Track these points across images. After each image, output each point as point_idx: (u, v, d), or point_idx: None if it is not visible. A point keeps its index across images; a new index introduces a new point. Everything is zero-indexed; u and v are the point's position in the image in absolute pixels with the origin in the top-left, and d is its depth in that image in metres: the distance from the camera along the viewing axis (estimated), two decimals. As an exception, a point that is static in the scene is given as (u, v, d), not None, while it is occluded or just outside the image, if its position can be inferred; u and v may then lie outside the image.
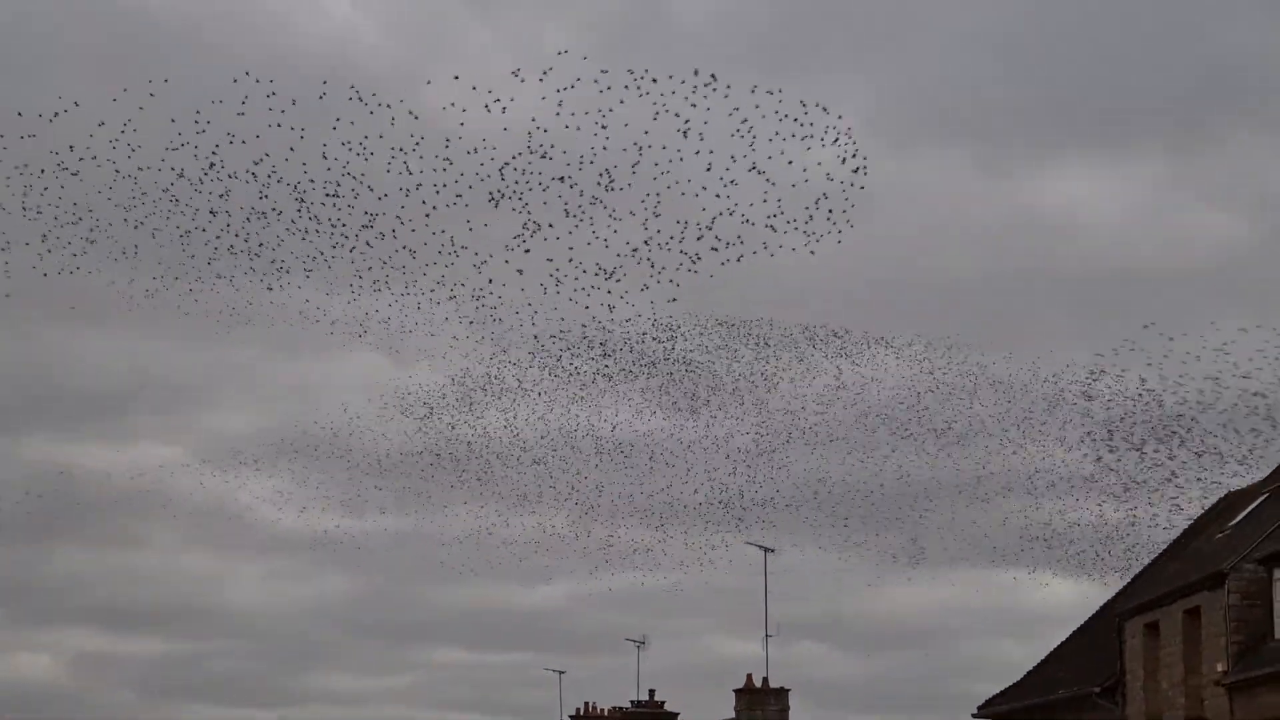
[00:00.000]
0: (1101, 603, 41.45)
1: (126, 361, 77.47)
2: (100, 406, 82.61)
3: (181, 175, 32.08)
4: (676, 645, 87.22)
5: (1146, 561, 40.87)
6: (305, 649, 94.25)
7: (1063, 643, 41.26)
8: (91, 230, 33.14)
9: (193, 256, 33.99)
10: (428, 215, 32.62)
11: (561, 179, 32.60)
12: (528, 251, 33.16)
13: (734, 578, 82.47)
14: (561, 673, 66.85)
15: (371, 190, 32.53)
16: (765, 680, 43.96)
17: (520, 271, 34.36)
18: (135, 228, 33.07)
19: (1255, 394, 36.12)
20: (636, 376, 38.11)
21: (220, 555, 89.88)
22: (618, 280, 34.56)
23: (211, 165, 31.65)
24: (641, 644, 65.17)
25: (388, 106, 31.78)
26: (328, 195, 32.11)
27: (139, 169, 32.18)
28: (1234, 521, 35.48)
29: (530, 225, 32.78)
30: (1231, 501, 38.02)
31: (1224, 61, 70.19)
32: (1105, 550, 43.90)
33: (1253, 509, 35.29)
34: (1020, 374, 39.41)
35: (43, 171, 32.12)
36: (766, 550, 47.25)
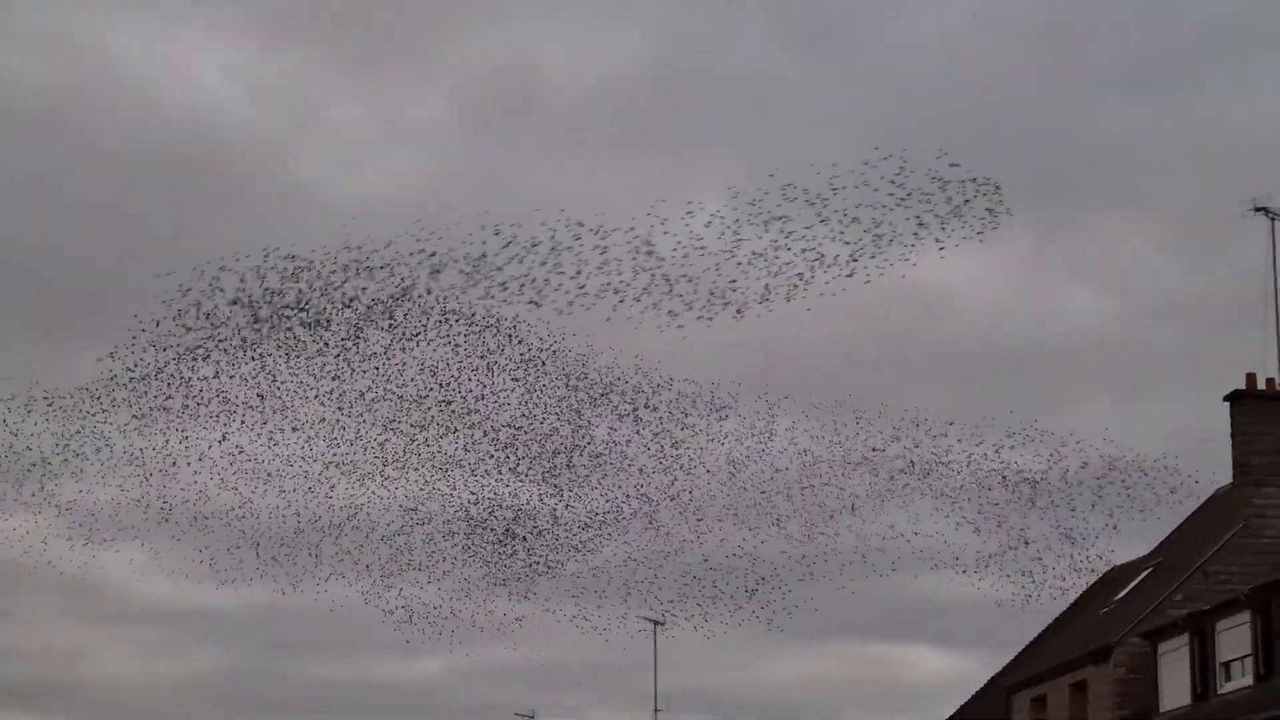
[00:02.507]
0: (978, 677, 41.64)
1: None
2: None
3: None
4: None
5: (1031, 636, 41.09)
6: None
7: (950, 717, 41.36)
8: None
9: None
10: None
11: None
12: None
13: (613, 652, 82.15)
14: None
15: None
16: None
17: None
18: None
19: (1120, 469, 36.44)
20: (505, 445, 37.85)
21: (88, 627, 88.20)
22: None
23: None
24: (530, 718, 64.58)
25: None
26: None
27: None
28: (1119, 596, 35.79)
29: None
30: (1115, 575, 38.37)
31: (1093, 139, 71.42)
32: (980, 624, 44.07)
33: (1137, 583, 35.62)
34: (896, 445, 39.57)
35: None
36: (656, 624, 47.01)
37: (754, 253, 31.95)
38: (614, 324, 32.98)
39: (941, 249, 30.98)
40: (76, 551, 38.21)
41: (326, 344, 33.66)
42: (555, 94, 65.99)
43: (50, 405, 34.21)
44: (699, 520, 38.67)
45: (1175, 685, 30.43)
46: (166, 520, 37.29)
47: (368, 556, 38.64)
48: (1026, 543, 37.19)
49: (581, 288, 32.16)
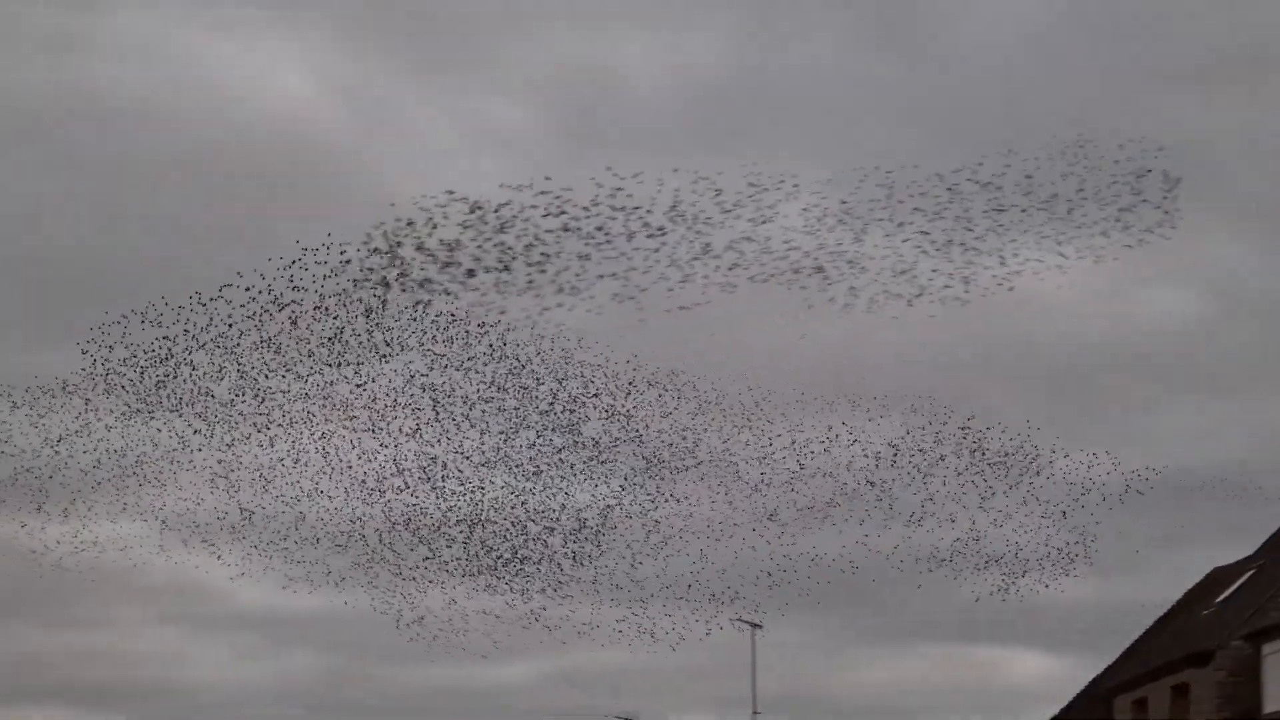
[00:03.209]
0: (1078, 679, 41.17)
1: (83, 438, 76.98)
2: (61, 484, 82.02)
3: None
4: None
5: (1132, 639, 40.60)
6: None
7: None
8: None
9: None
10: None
11: None
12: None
13: (709, 654, 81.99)
14: (545, 753, 66.15)
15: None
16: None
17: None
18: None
19: (1220, 471, 35.89)
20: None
21: (184, 631, 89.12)
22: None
23: None
24: (630, 723, 64.66)
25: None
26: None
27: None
28: (1221, 598, 35.24)
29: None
30: (1217, 577, 37.78)
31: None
32: (1080, 626, 43.63)
33: (1239, 585, 35.06)
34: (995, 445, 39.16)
35: None
36: (754, 626, 46.79)
37: (834, 254, 31.71)
38: (695, 324, 32.86)
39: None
40: (174, 557, 38.55)
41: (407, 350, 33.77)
42: (632, 93, 66.19)
43: (147, 413, 34.54)
44: (799, 521, 38.47)
45: (1279, 687, 29.90)
46: (262, 525, 37.55)
47: (460, 560, 38.75)
48: (1132, 539, 36.74)
49: (670, 291, 32.04)
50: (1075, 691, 41.30)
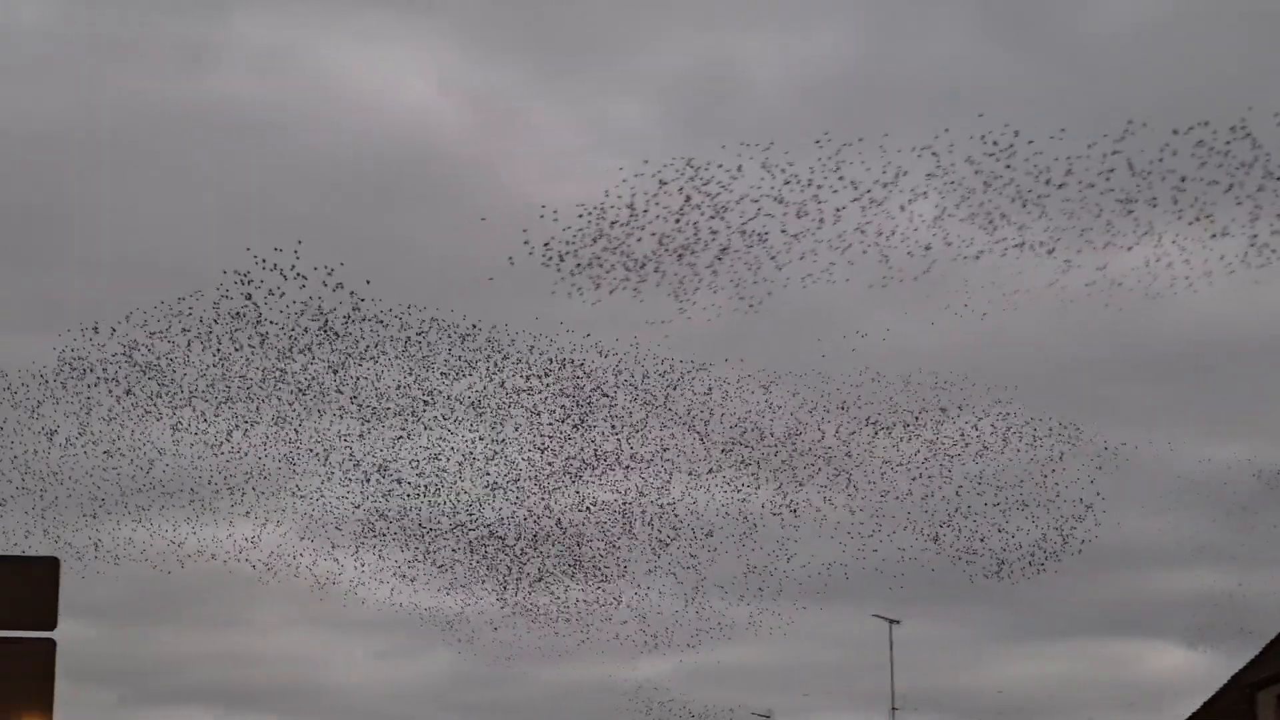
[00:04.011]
0: (1221, 674, 40.56)
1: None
2: (199, 486, 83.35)
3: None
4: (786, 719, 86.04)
5: (1276, 631, 39.92)
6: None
7: (1191, 716, 40.36)
8: None
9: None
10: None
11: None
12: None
13: (847, 650, 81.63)
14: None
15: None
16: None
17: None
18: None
19: None
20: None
21: (322, 632, 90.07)
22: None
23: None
24: (767, 718, 64.53)
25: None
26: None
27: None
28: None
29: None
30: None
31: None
32: (1221, 620, 43.01)
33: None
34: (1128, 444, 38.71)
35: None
36: (892, 622, 46.57)
37: (963, 246, 31.52)
38: (825, 320, 32.80)
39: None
40: (312, 558, 39.07)
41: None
42: (756, 91, 66.01)
43: (279, 416, 35.00)
44: (936, 516, 38.27)
45: None
46: (400, 526, 37.92)
47: (597, 558, 38.89)
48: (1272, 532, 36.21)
49: (804, 288, 32.00)
50: (1217, 686, 40.72)
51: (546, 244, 30.77)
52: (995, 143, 29.87)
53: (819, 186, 30.98)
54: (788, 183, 30.66)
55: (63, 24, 58.61)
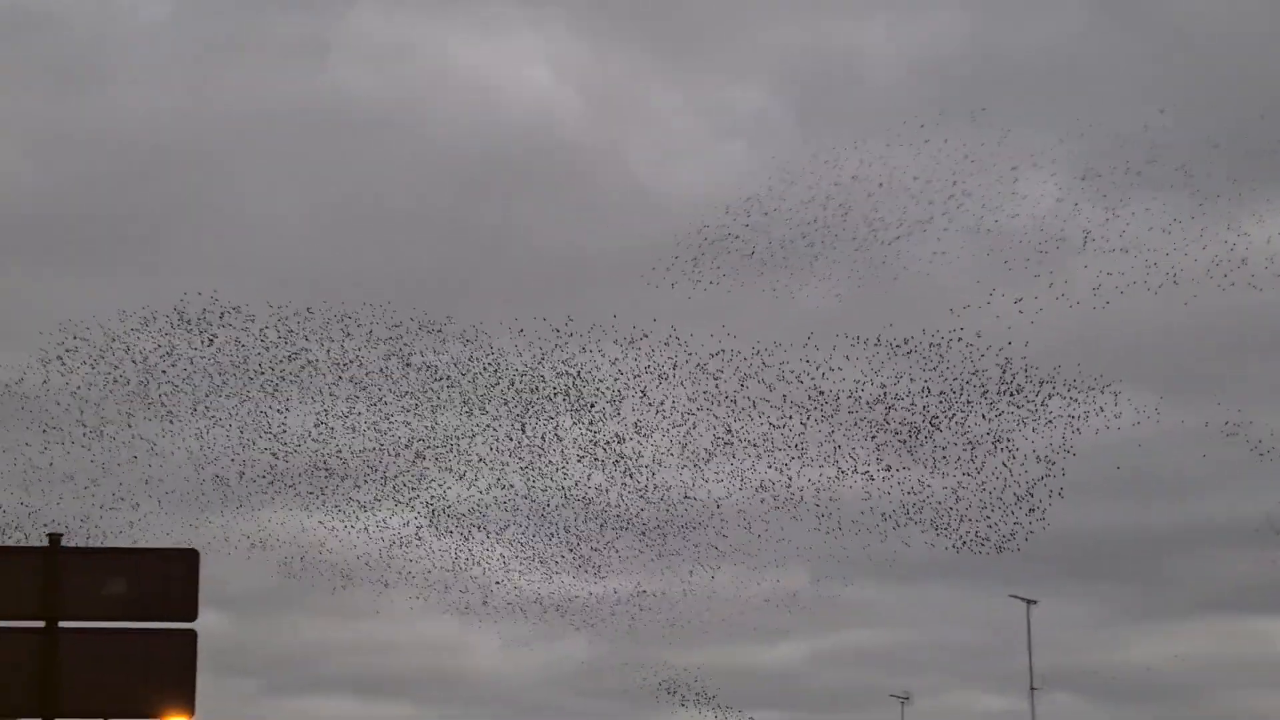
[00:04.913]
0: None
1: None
2: (336, 474, 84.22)
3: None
4: (924, 701, 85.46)
5: None
6: (547, 714, 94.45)
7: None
8: None
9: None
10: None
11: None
12: None
13: (983, 631, 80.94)
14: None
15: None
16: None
17: None
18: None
19: None
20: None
21: (456, 619, 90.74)
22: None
23: None
24: (906, 700, 64.26)
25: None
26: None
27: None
28: None
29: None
30: None
31: None
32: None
33: None
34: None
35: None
36: (1029, 602, 46.13)
37: (1087, 227, 31.16)
38: (944, 297, 32.49)
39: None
40: (445, 544, 39.31)
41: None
42: (874, 74, 65.47)
43: (411, 404, 35.22)
44: (1071, 495, 37.83)
45: None
46: (531, 511, 38.06)
47: (729, 542, 38.82)
48: None
49: (928, 276, 31.78)
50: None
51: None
52: (1113, 123, 29.51)
53: (937, 165, 30.74)
54: (906, 162, 30.43)
55: (180, 24, 59.36)
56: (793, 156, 31.71)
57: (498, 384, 34.81)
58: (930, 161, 31.61)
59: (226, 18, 59.64)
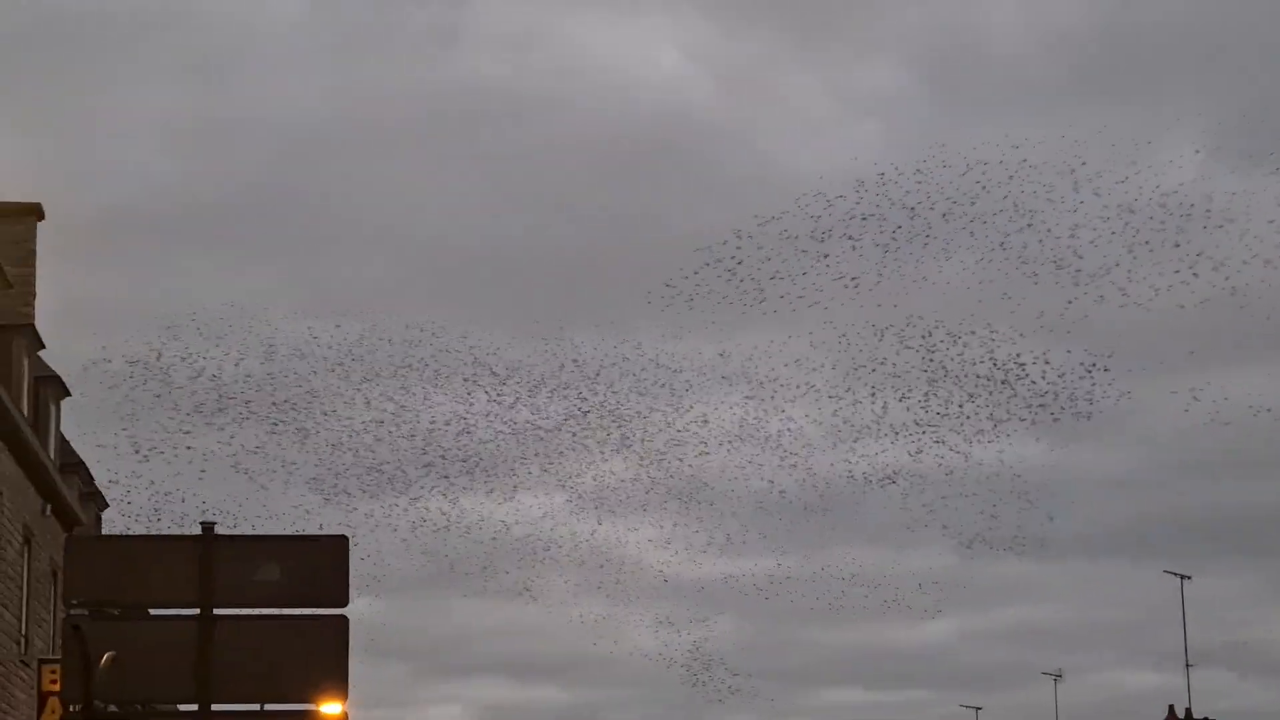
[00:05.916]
0: None
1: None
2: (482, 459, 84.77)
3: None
4: (1077, 679, 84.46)
5: None
6: (697, 695, 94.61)
7: None
8: None
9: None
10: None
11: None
12: None
13: (1136, 608, 79.98)
14: (979, 709, 65.74)
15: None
16: (1189, 711, 42.23)
17: None
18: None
19: None
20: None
21: (606, 601, 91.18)
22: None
23: None
24: (1058, 677, 63.59)
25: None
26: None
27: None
28: None
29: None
30: None
31: None
32: None
33: None
34: None
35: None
36: (1184, 578, 45.47)
37: (1229, 195, 30.61)
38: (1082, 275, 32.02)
39: None
40: (595, 527, 39.55)
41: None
42: (1004, 53, 64.53)
43: (556, 387, 35.39)
44: (1226, 470, 37.21)
45: None
46: (675, 493, 38.13)
47: (877, 520, 38.64)
48: None
49: (1080, 257, 31.32)
50: None
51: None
52: (1243, 94, 28.98)
53: (1074, 142, 30.33)
54: (1041, 141, 30.03)
55: (316, 17, 59.96)
56: (923, 132, 31.46)
57: (649, 365, 34.80)
58: (1066, 137, 31.24)
59: (360, 10, 60.13)
